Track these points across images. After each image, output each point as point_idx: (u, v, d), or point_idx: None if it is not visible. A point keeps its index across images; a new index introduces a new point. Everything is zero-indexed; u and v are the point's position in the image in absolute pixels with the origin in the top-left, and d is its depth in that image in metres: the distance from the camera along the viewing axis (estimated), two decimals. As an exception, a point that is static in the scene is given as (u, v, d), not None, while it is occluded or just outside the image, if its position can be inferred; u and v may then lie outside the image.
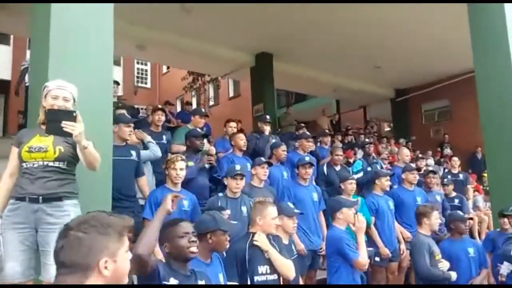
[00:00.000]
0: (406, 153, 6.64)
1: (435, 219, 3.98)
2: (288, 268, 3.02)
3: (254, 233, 3.04)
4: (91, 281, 1.19)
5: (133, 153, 3.97)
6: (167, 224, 2.35)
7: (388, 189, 4.97)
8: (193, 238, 2.33)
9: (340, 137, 9.67)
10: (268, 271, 2.97)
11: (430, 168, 6.58)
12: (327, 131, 8.82)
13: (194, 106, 18.95)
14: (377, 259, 4.64)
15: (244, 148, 5.02)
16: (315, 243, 4.31)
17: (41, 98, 2.67)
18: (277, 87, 12.09)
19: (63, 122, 2.38)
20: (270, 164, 4.48)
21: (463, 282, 4.00)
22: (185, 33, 8.81)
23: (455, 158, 8.00)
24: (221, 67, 11.41)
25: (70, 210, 2.53)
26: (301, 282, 3.69)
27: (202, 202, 3.87)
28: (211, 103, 19.46)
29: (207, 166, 4.29)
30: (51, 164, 2.55)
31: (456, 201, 6.34)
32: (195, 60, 10.83)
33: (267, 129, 6.17)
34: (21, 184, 2.53)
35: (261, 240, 2.97)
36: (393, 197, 5.10)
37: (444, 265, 3.84)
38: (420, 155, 7.61)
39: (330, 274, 3.55)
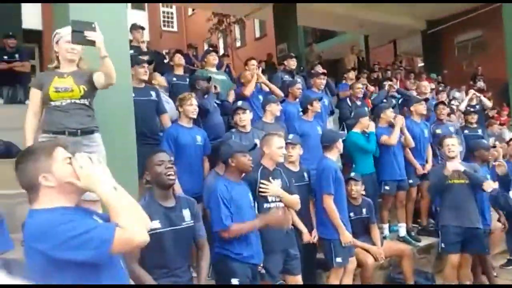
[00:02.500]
0: (424, 85, 6.63)
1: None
2: (293, 204, 3.39)
3: (263, 165, 3.33)
4: (43, 193, 1.56)
5: (153, 93, 4.17)
6: (149, 155, 2.64)
7: (393, 120, 5.05)
8: (169, 165, 2.53)
9: (365, 74, 9.55)
10: (277, 199, 3.28)
11: (441, 100, 6.52)
12: (351, 67, 8.76)
13: (221, 48, 18.93)
14: (386, 187, 4.92)
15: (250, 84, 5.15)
16: None
17: (53, 44, 2.92)
18: (301, 24, 11.88)
19: (86, 32, 2.60)
20: (282, 101, 4.68)
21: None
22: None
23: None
24: (244, 7, 11.27)
25: (99, 141, 2.94)
26: (311, 204, 4.02)
27: (218, 138, 4.11)
28: (238, 44, 19.32)
29: (213, 90, 4.53)
30: (77, 101, 2.87)
31: (479, 131, 6.36)
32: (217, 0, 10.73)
33: (293, 63, 6.24)
34: (56, 119, 2.83)
35: (272, 190, 3.23)
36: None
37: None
38: (440, 88, 7.46)
39: (317, 204, 3.89)
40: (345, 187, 4.06)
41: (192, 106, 3.83)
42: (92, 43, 2.63)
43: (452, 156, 4.18)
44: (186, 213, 2.60)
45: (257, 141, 3.78)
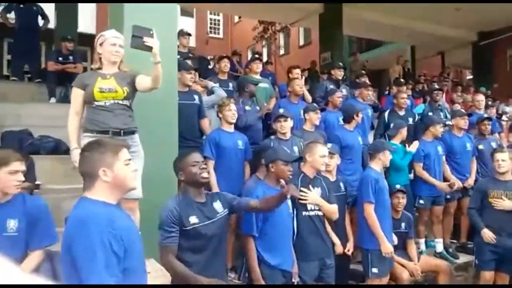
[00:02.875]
0: (478, 99, 6.41)
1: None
2: (332, 213, 3.39)
3: (303, 173, 3.35)
4: (98, 184, 1.70)
5: (196, 97, 4.33)
6: (180, 156, 2.74)
7: (440, 135, 4.97)
8: (203, 166, 2.62)
9: (411, 85, 9.34)
10: (316, 207, 3.30)
11: (485, 115, 6.28)
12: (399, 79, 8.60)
13: (265, 55, 19.11)
14: (421, 202, 4.82)
15: (300, 93, 5.15)
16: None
17: (96, 46, 2.99)
18: (347, 33, 11.79)
19: (145, 38, 2.72)
20: (323, 110, 4.68)
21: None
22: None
23: None
24: (291, 15, 11.31)
25: (138, 141, 3.00)
26: (347, 215, 4.00)
27: (256, 143, 4.22)
28: (282, 52, 19.42)
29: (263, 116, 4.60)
30: (121, 102, 2.94)
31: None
32: (264, 9, 10.84)
33: (340, 74, 6.24)
34: (100, 119, 2.87)
35: (311, 198, 3.26)
36: (443, 143, 5.09)
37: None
38: (490, 103, 7.17)
39: (359, 213, 3.86)
40: (392, 199, 4.03)
41: (231, 112, 3.94)
42: (149, 48, 2.73)
43: (502, 171, 4.09)
44: (217, 205, 2.68)
45: (296, 149, 3.82)
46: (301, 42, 19.14)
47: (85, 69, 9.27)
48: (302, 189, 3.26)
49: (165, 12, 3.57)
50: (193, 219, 2.49)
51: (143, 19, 3.35)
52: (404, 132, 4.82)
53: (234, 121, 3.99)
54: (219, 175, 3.80)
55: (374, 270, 3.66)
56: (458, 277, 4.76)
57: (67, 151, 4.72)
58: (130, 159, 1.78)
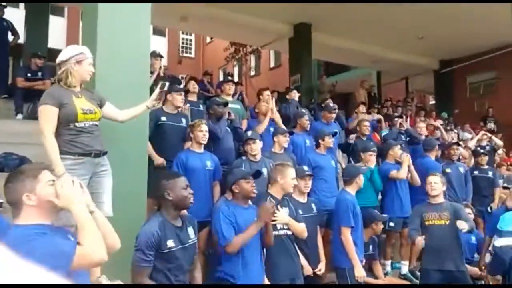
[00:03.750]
0: (420, 127, 6.76)
1: None
2: (300, 232, 3.45)
3: (271, 194, 3.41)
4: (24, 209, 1.76)
5: (183, 120, 4.39)
6: (169, 175, 2.79)
7: (399, 158, 5.13)
8: (191, 191, 2.68)
9: (376, 109, 9.67)
10: (285, 227, 3.36)
11: (455, 140, 6.62)
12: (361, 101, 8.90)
13: (236, 76, 19.32)
14: (391, 224, 4.93)
15: (267, 114, 5.31)
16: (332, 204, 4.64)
17: (69, 61, 2.81)
18: (316, 57, 12.11)
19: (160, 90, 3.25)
20: (291, 133, 4.83)
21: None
22: (225, 5, 9.03)
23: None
24: (261, 38, 11.59)
25: (108, 161, 2.99)
26: (319, 236, 4.06)
27: (229, 163, 4.25)
28: (252, 73, 19.70)
29: (228, 129, 4.61)
30: (96, 123, 2.93)
31: (490, 173, 6.38)
32: (235, 31, 11.10)
33: (295, 96, 6.57)
34: (83, 141, 2.80)
35: (280, 218, 3.29)
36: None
37: None
38: (448, 128, 7.52)
39: (334, 234, 3.97)
40: (372, 225, 4.21)
41: (202, 132, 3.95)
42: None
43: (434, 194, 3.99)
44: (191, 230, 2.72)
45: (265, 170, 3.89)
46: (272, 64, 19.48)
47: (52, 84, 9.06)
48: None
49: (138, 30, 3.59)
50: (170, 243, 2.52)
51: (116, 37, 3.41)
52: (368, 157, 4.96)
53: (205, 142, 4.00)
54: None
55: None
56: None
57: (32, 170, 4.65)
58: (53, 180, 1.82)
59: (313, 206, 4.04)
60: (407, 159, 5.02)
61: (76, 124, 2.81)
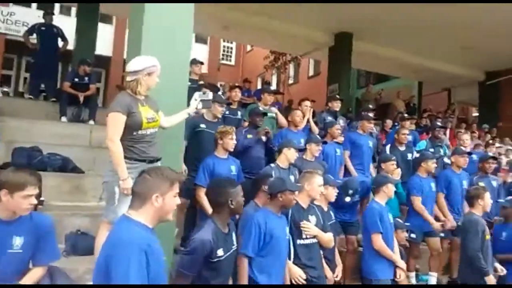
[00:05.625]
0: (464, 138, 6.60)
1: (488, 200, 4.05)
2: (328, 242, 3.49)
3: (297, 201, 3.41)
4: (147, 206, 1.86)
5: None
6: (230, 183, 2.79)
7: (433, 171, 5.04)
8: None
9: (415, 120, 9.48)
10: (311, 236, 3.39)
11: (491, 154, 6.37)
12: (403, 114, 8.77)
13: (274, 84, 19.44)
14: (412, 235, 4.82)
15: (300, 125, 5.41)
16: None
17: (141, 71, 2.96)
18: (356, 67, 12.04)
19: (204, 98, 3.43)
20: (324, 142, 4.89)
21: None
22: (267, 14, 9.17)
23: None
24: (301, 47, 11.66)
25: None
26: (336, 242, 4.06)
27: (255, 172, 4.30)
28: (291, 81, 19.75)
29: (263, 138, 4.65)
30: (156, 130, 3.10)
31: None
32: (276, 39, 11.19)
33: (337, 106, 6.49)
34: (141, 148, 2.98)
35: (312, 230, 3.37)
36: (441, 179, 5.20)
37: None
38: (491, 141, 7.26)
39: (365, 245, 3.99)
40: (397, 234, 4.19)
41: (232, 141, 4.03)
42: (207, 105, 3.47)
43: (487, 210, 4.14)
44: (234, 237, 2.81)
45: (292, 178, 3.94)
46: (311, 73, 19.48)
47: (97, 90, 9.47)
48: (305, 222, 3.36)
49: (180, 40, 3.75)
50: (220, 252, 2.56)
51: (159, 46, 3.56)
52: (390, 166, 4.93)
53: (232, 150, 4.09)
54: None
55: None
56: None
57: (73, 169, 4.94)
58: (178, 193, 1.95)
59: (331, 213, 4.09)
60: None
61: (139, 131, 2.99)
